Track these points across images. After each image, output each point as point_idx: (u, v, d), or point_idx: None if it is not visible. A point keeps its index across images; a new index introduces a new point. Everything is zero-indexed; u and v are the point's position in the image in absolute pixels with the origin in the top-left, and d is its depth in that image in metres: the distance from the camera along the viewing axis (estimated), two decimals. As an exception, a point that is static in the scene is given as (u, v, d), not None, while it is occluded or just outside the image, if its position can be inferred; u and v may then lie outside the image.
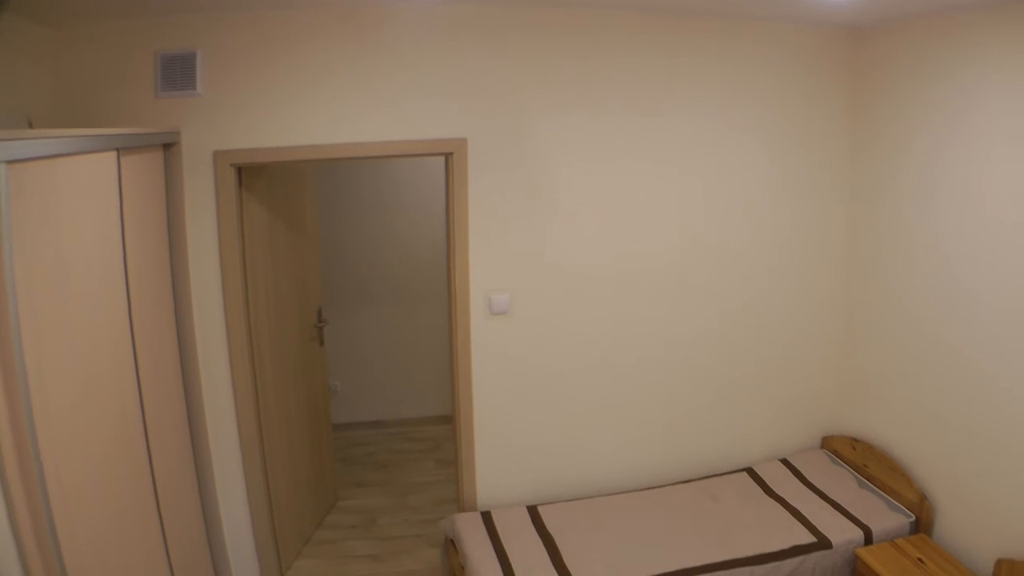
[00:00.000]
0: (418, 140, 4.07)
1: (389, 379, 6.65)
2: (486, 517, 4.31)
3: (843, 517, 4.23)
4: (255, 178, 4.21)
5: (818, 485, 4.55)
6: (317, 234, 5.23)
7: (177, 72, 3.81)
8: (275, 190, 4.49)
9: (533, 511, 4.37)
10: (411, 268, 6.44)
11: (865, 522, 4.18)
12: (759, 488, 4.59)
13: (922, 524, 4.22)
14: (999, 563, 3.78)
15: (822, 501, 4.40)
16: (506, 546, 4.04)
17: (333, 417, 6.05)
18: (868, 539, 4.11)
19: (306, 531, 5.00)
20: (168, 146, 3.86)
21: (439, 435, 6.56)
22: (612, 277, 4.49)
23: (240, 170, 4.03)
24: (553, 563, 3.91)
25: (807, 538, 4.07)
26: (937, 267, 4.20)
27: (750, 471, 4.79)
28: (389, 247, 6.39)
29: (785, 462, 4.85)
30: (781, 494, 4.49)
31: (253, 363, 4.25)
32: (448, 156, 4.15)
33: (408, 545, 4.97)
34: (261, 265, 4.34)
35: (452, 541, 4.33)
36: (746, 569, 3.89)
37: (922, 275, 4.30)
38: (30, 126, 3.41)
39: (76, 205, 2.90)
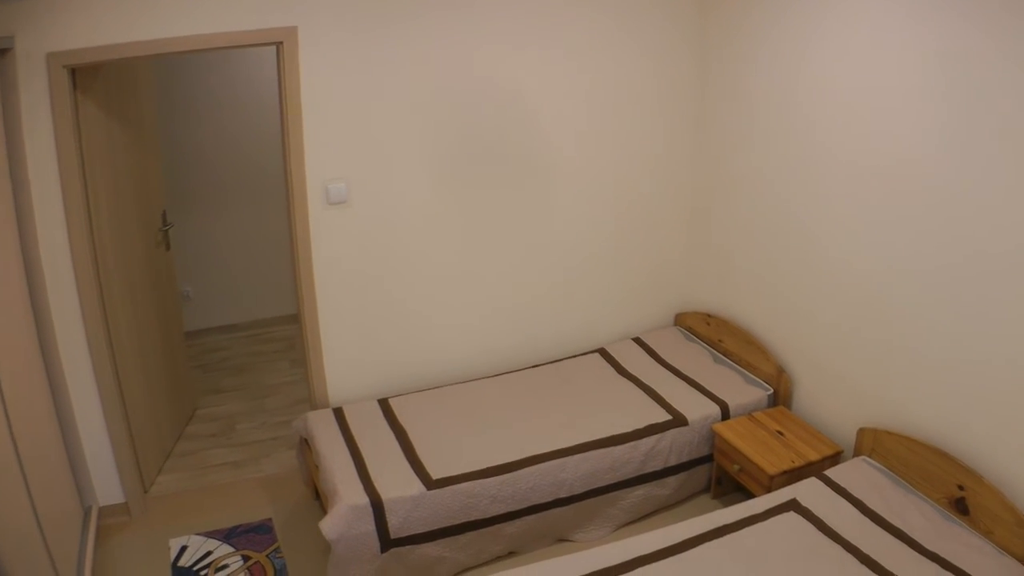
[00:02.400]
0: (248, 31, 3.81)
1: (242, 280, 6.40)
2: (338, 413, 4.18)
3: (699, 393, 4.22)
4: (90, 80, 3.91)
5: (672, 362, 4.54)
6: (156, 135, 4.92)
7: (9, -26, 3.42)
8: (111, 92, 4.18)
9: (384, 404, 4.26)
10: (260, 164, 6.11)
11: (721, 397, 4.17)
12: (612, 368, 4.55)
13: (780, 396, 4.23)
14: (861, 432, 3.81)
15: (677, 378, 4.39)
16: (358, 441, 3.93)
17: (187, 324, 5.81)
18: (725, 414, 4.11)
19: (166, 444, 4.81)
20: (2, 53, 3.52)
21: (293, 334, 6.41)
22: (455, 161, 4.33)
23: (74, 72, 3.72)
24: (405, 455, 3.82)
25: (662, 416, 4.05)
26: (782, 143, 4.12)
27: (602, 351, 4.76)
28: (236, 144, 6.04)
29: (638, 341, 4.82)
30: (635, 373, 4.47)
31: (98, 273, 4.00)
32: (279, 45, 3.91)
33: (267, 448, 4.85)
34: (101, 170, 4.06)
35: (306, 440, 4.18)
36: (601, 451, 3.85)
37: (767, 151, 4.23)
38: None
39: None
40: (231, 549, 3.99)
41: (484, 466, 3.71)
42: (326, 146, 4.09)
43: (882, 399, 3.78)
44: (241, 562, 3.90)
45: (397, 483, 3.61)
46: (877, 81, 3.54)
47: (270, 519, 4.20)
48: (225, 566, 3.87)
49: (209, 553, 3.96)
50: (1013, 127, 3.00)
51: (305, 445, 4.22)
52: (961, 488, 3.33)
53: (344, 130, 4.09)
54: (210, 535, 4.09)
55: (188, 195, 5.98)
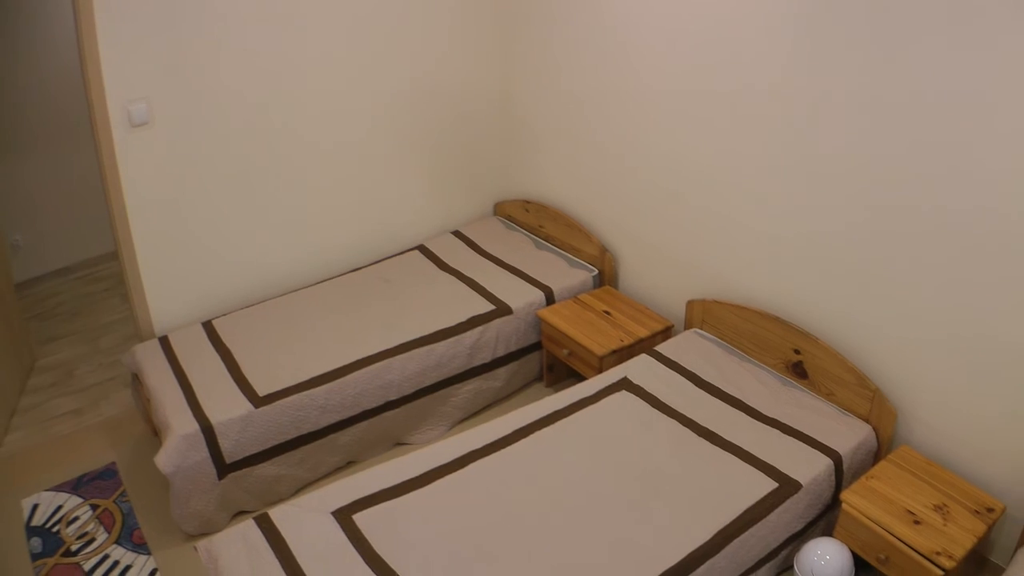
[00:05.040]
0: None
1: (69, 221, 6.08)
2: (164, 343, 4.04)
3: (522, 280, 4.21)
4: None
5: (493, 252, 4.52)
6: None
7: None
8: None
9: (208, 326, 4.14)
10: (73, 99, 5.73)
11: (545, 282, 4.17)
12: (432, 264, 4.51)
13: (606, 277, 4.25)
14: (690, 304, 3.84)
15: (499, 268, 4.38)
16: (185, 368, 3.81)
17: (20, 274, 5.54)
18: (550, 299, 4.12)
19: (9, 402, 4.61)
20: None
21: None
22: (259, 72, 4.14)
23: None
24: (232, 375, 3.73)
25: (485, 307, 4.04)
26: (583, 22, 4.05)
27: (422, 248, 4.71)
28: (46, 83, 5.66)
29: (457, 233, 4.79)
30: (455, 267, 4.44)
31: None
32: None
33: (106, 391, 4.71)
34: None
35: (137, 375, 4.07)
36: (425, 348, 3.83)
37: (567, 31, 4.15)
38: None
39: None
40: (80, 500, 3.88)
41: (309, 376, 3.66)
42: (125, 65, 3.83)
43: (708, 271, 3.80)
44: (90, 512, 3.80)
45: (225, 405, 3.53)
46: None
47: (114, 463, 4.09)
48: (76, 518, 3.77)
49: (60, 508, 3.85)
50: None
51: (137, 380, 4.10)
52: (797, 352, 3.37)
53: (142, 47, 3.84)
54: (59, 489, 3.97)
55: (2, 141, 5.67)
